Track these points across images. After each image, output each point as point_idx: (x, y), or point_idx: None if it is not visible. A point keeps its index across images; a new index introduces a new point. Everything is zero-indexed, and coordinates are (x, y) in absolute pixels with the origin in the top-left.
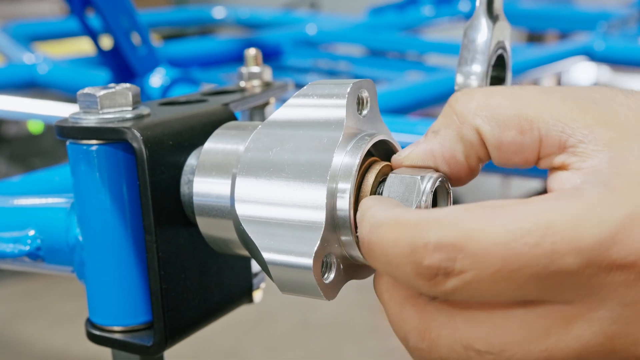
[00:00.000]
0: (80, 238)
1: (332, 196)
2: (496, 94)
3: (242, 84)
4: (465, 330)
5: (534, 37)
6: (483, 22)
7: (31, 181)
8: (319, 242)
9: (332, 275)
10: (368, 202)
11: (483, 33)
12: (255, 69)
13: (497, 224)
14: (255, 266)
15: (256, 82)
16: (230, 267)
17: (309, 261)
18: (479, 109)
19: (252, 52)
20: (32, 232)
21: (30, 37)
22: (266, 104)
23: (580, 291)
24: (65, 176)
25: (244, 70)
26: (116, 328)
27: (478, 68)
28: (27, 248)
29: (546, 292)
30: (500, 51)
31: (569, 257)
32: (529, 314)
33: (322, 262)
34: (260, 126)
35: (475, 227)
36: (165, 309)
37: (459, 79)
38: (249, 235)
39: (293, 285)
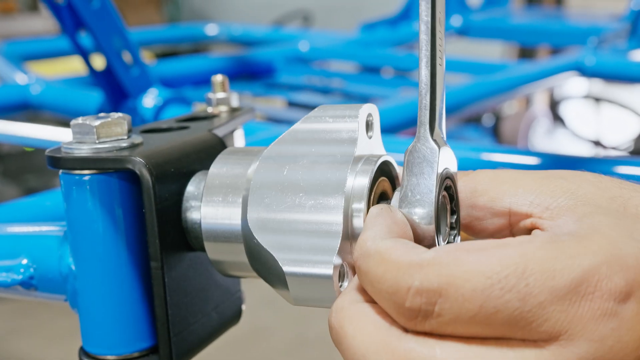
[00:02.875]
0: (74, 267)
1: (347, 215)
2: (480, 174)
3: (210, 109)
4: (445, 358)
5: (526, 52)
6: (427, 147)
7: (22, 207)
8: (337, 250)
9: (346, 284)
10: (367, 219)
11: (428, 160)
12: (222, 94)
13: (477, 270)
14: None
15: (223, 108)
16: (224, 290)
17: (328, 270)
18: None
19: (218, 78)
20: (25, 261)
21: (23, 56)
22: (235, 128)
23: (550, 329)
24: (56, 201)
25: (211, 96)
26: (110, 357)
27: (422, 210)
28: (20, 277)
29: (519, 331)
30: (447, 184)
31: (542, 295)
32: (504, 347)
33: (340, 271)
34: (269, 147)
35: (455, 274)
36: (172, 335)
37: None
38: (266, 248)
39: (310, 295)
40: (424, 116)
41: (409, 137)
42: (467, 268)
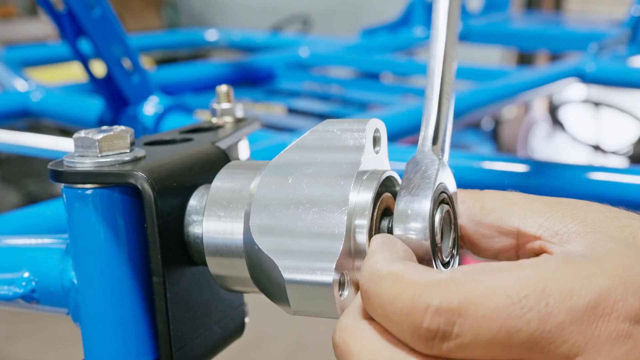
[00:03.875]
0: (76, 281)
1: (349, 231)
2: (489, 193)
3: (214, 120)
4: None
5: (525, 57)
6: (428, 159)
7: (23, 217)
8: (337, 257)
9: (346, 293)
10: (373, 244)
11: (426, 173)
12: (227, 105)
13: (496, 289)
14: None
15: (228, 119)
16: (226, 304)
17: (328, 278)
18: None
19: (223, 89)
20: (26, 274)
21: (23, 62)
22: (240, 139)
23: (567, 350)
24: (57, 211)
25: (216, 106)
26: None
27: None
28: (22, 290)
29: (537, 354)
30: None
31: (561, 315)
32: None
33: (339, 280)
34: (274, 158)
35: (475, 293)
36: (174, 350)
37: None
38: (267, 253)
39: (310, 303)
40: (428, 130)
41: (410, 145)
42: (487, 287)
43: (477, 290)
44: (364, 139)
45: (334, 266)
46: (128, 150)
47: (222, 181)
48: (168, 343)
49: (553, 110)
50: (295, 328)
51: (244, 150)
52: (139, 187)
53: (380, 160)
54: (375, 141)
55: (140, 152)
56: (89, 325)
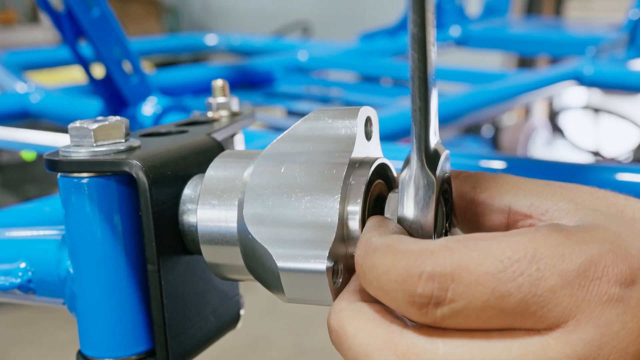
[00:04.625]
0: (72, 270)
1: (342, 217)
2: (481, 173)
3: (210, 114)
4: (449, 352)
5: (525, 62)
6: (423, 175)
7: (21, 213)
8: (331, 245)
9: (339, 280)
10: (368, 224)
11: (425, 188)
12: (222, 99)
13: (488, 254)
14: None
15: (224, 112)
16: (222, 294)
17: (322, 265)
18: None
19: (219, 83)
20: (23, 265)
21: (23, 65)
22: (235, 132)
23: (560, 314)
24: (55, 207)
25: (211, 100)
26: None
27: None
28: (18, 280)
29: (529, 318)
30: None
31: (552, 279)
32: (507, 339)
33: (333, 268)
34: (268, 147)
35: (467, 259)
36: (168, 338)
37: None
38: (260, 242)
39: (304, 291)
40: (418, 141)
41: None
42: (479, 253)
43: (469, 256)
44: (356, 127)
45: (327, 254)
46: (123, 140)
47: (215, 170)
48: (163, 331)
49: (553, 116)
50: (294, 333)
51: (239, 143)
52: (134, 175)
53: (372, 148)
54: (367, 129)
55: (135, 142)
56: (84, 314)
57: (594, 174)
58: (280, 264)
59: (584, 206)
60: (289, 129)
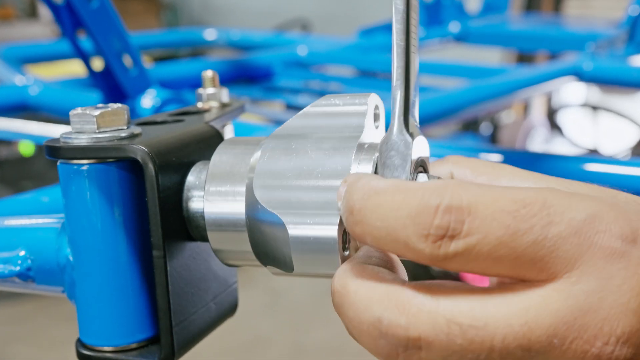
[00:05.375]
0: (71, 258)
1: None
2: (477, 159)
3: (200, 105)
4: (449, 305)
5: (524, 58)
6: (400, 139)
7: (20, 203)
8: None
9: (347, 252)
10: (356, 175)
11: (401, 152)
12: (212, 90)
13: (503, 194)
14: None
15: (214, 103)
16: (221, 281)
17: (333, 232)
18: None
19: (209, 74)
20: (22, 253)
21: (22, 59)
22: (225, 124)
23: (565, 261)
24: (53, 197)
25: (201, 91)
26: (107, 348)
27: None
28: (18, 268)
29: (536, 264)
30: (419, 170)
31: (562, 225)
32: (508, 294)
33: (342, 236)
34: (278, 128)
35: (483, 195)
36: (173, 324)
37: None
38: (271, 210)
39: (313, 259)
40: (399, 108)
41: None
42: (494, 192)
43: (484, 193)
44: (366, 110)
45: (339, 220)
46: (125, 127)
47: (221, 156)
48: (168, 317)
49: (551, 114)
50: (293, 332)
51: (229, 134)
52: (140, 160)
53: (379, 135)
54: (376, 116)
55: (136, 129)
56: (84, 302)
57: (590, 167)
58: (291, 231)
59: (578, 191)
60: (298, 113)
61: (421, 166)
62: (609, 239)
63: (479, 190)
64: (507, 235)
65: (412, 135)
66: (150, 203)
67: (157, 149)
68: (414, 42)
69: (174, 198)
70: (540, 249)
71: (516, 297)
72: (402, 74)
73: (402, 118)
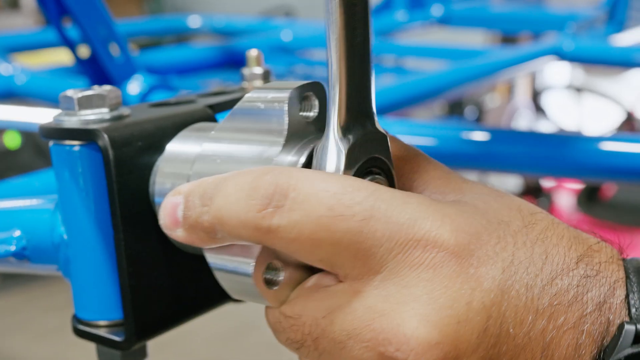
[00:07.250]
0: (65, 236)
1: None
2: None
3: (245, 84)
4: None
5: (508, 40)
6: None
7: (11, 187)
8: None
9: (280, 277)
10: (187, 185)
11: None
12: (257, 69)
13: (333, 177)
14: None
15: (258, 83)
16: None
17: (250, 268)
18: None
19: (253, 53)
20: (17, 233)
21: (7, 48)
22: None
23: (373, 262)
24: (45, 182)
25: (246, 71)
26: (102, 322)
27: None
28: (13, 248)
29: (351, 255)
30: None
31: (380, 222)
32: (322, 290)
33: (267, 267)
34: (211, 133)
35: (311, 175)
36: (134, 305)
37: None
38: None
39: (240, 291)
40: (332, 111)
41: (398, 118)
42: (325, 174)
43: (313, 174)
44: (285, 116)
45: (256, 255)
46: (108, 110)
47: (174, 144)
48: (129, 298)
49: (535, 96)
50: None
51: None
52: (100, 144)
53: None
54: (306, 107)
55: (125, 111)
56: (78, 278)
57: (576, 144)
58: (210, 259)
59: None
60: (228, 114)
61: (376, 166)
62: (421, 249)
63: (309, 172)
64: (327, 217)
65: (352, 139)
66: (108, 185)
67: (120, 133)
68: (359, 32)
69: (140, 182)
70: (356, 240)
71: (327, 292)
72: (339, 71)
73: (336, 125)
